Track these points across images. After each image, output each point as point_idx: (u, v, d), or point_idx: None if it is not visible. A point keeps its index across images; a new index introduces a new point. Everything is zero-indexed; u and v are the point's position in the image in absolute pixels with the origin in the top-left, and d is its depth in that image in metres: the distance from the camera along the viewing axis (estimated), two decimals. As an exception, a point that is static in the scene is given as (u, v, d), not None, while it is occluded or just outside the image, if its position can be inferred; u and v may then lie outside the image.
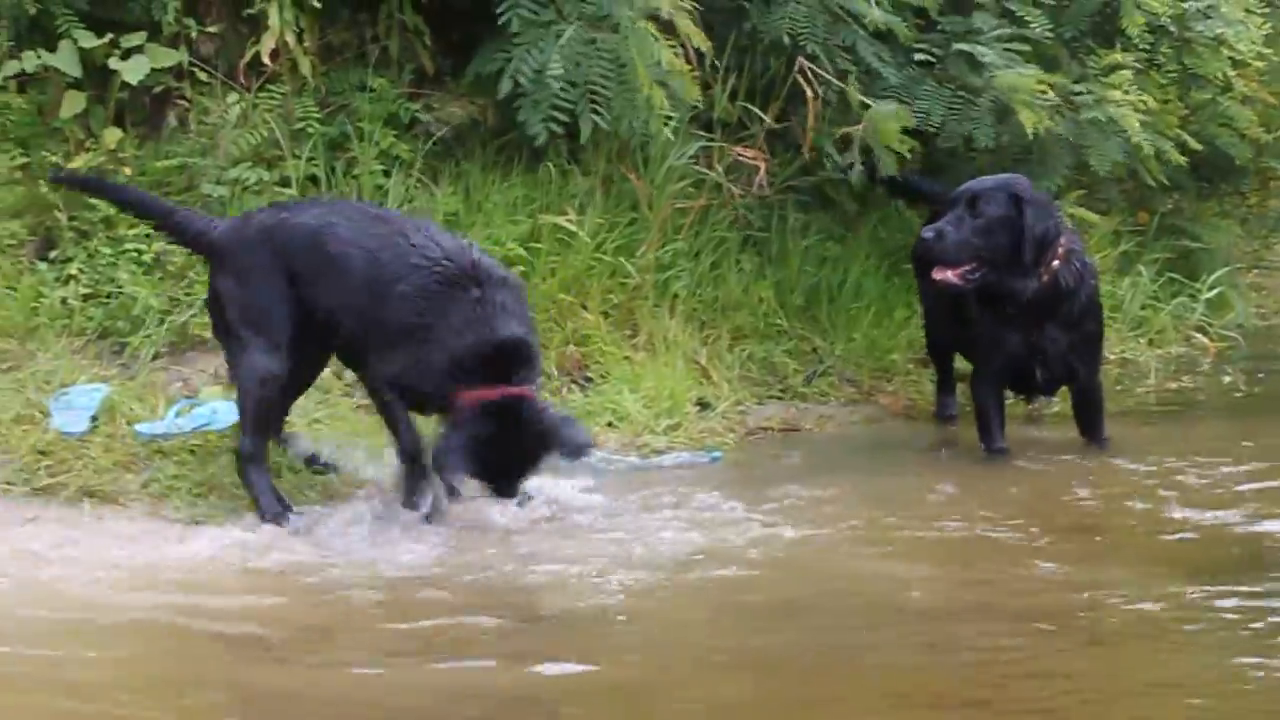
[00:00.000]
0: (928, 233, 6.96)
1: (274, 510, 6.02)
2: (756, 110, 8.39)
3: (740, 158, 8.28)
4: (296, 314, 6.08)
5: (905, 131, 8.18)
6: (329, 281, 6.05)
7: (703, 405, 7.59)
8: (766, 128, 8.35)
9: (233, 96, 7.67)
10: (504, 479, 5.97)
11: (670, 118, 7.76)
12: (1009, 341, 7.06)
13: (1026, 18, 8.80)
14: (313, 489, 6.37)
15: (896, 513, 6.27)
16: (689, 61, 7.93)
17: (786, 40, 8.22)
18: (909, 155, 8.27)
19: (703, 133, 8.27)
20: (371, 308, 5.98)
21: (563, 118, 7.71)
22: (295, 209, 6.29)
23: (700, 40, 7.84)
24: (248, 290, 6.10)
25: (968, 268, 6.91)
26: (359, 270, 6.00)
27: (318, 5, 7.64)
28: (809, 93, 8.17)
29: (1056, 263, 6.95)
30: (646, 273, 7.88)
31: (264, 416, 6.13)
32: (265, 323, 6.08)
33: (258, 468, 6.08)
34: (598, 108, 7.73)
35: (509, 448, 5.86)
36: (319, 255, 6.05)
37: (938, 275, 6.96)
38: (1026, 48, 8.71)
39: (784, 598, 5.32)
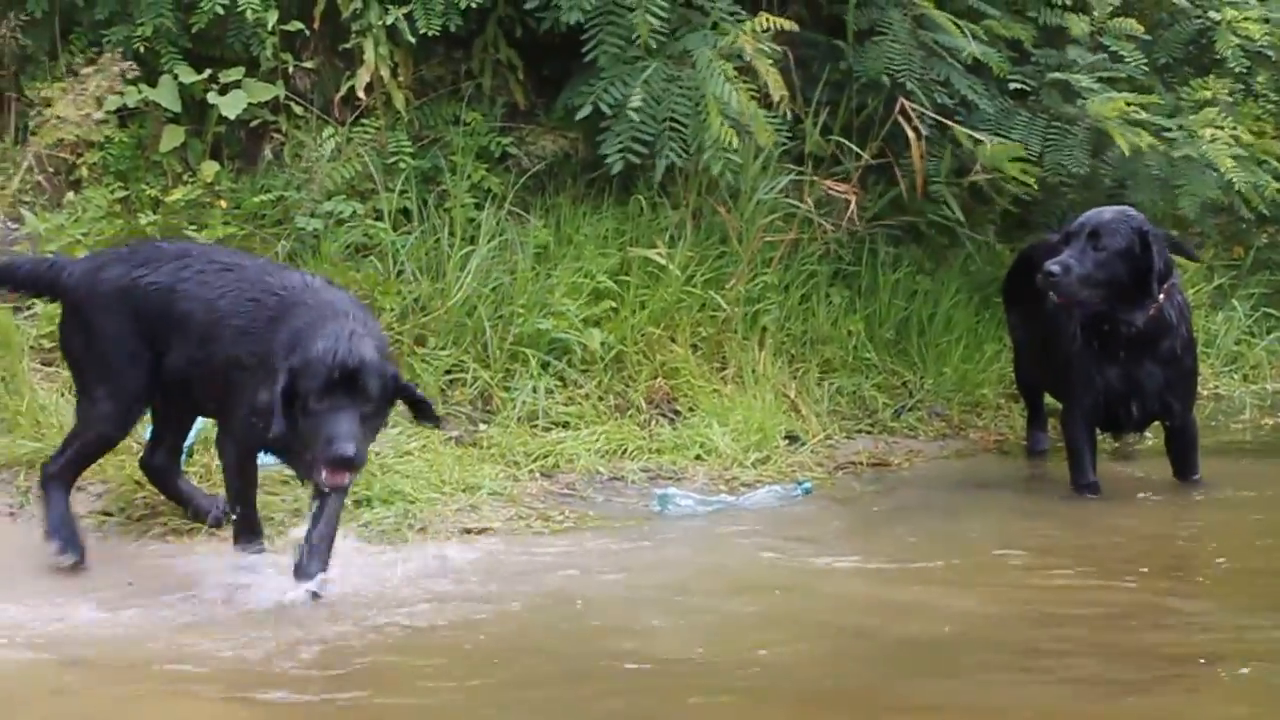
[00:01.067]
0: (1054, 267, 6.89)
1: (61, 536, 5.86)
2: (851, 144, 8.38)
3: (831, 191, 8.27)
4: (149, 376, 5.87)
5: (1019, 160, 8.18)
6: (178, 339, 5.80)
7: (791, 439, 7.58)
8: (862, 164, 8.33)
9: (328, 130, 7.76)
10: None
11: (737, 163, 7.77)
12: (1106, 376, 7.00)
13: (1120, 51, 8.74)
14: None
15: (984, 552, 6.24)
16: (779, 98, 7.93)
17: (885, 80, 8.21)
18: (1033, 187, 8.25)
19: (794, 166, 8.27)
20: (205, 355, 5.73)
21: (641, 149, 7.75)
22: (149, 266, 5.91)
23: (777, 85, 7.85)
24: (101, 348, 5.88)
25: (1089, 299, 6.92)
26: (199, 323, 5.75)
27: (412, 40, 7.72)
28: (911, 134, 8.15)
29: (1162, 297, 6.91)
30: (736, 306, 7.88)
31: (85, 460, 6.00)
32: (117, 382, 5.87)
33: (59, 488, 5.92)
34: (675, 144, 7.76)
35: None
36: (171, 318, 5.80)
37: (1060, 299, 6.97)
38: (1121, 75, 8.65)
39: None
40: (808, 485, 7.15)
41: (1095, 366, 7.05)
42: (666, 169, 7.82)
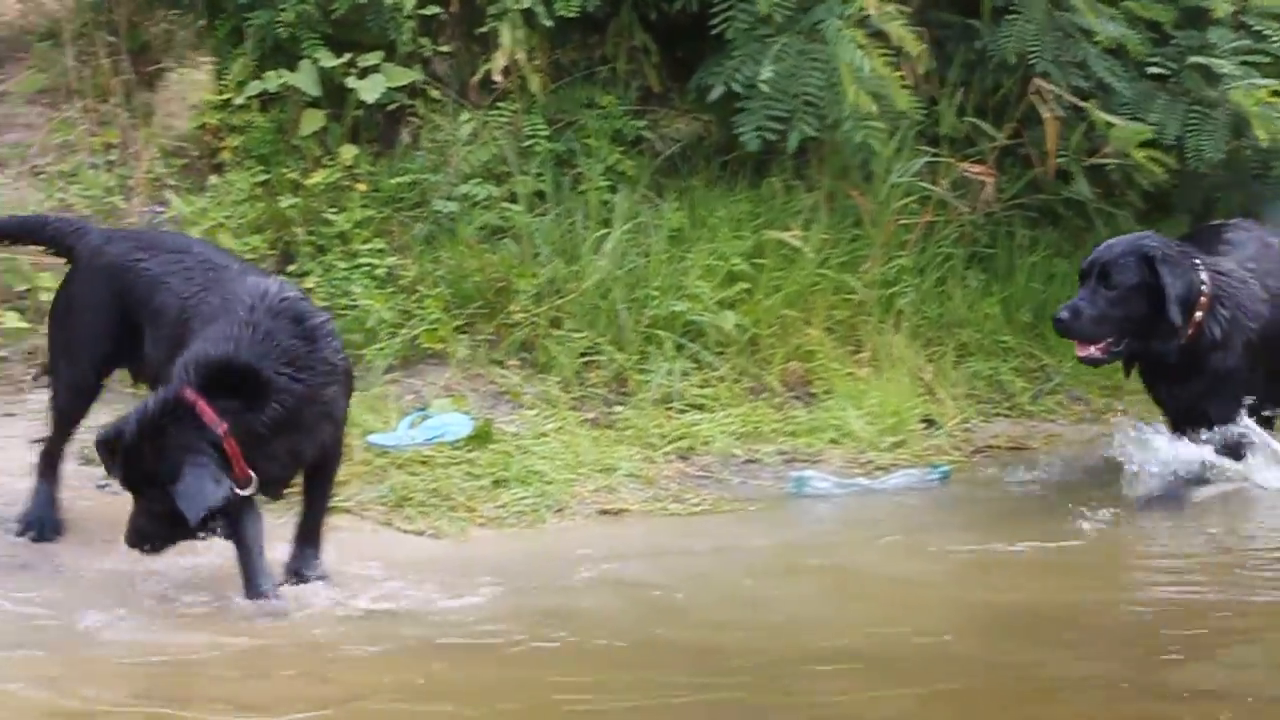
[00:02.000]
0: (1063, 313, 6.77)
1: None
2: (985, 126, 8.30)
3: (967, 173, 8.20)
4: (109, 357, 5.93)
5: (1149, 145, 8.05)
6: (151, 330, 5.78)
7: (928, 422, 7.53)
8: (997, 145, 8.25)
9: (464, 114, 7.82)
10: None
11: (879, 128, 7.72)
12: (1161, 394, 7.05)
13: (1266, 31, 8.56)
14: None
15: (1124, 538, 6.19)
16: (911, 77, 7.88)
17: (1014, 60, 8.12)
18: (1163, 174, 8.12)
19: (928, 148, 8.21)
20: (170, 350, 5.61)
21: (776, 126, 7.73)
22: (148, 251, 5.91)
23: (912, 45, 7.77)
24: (76, 317, 5.95)
25: (1110, 340, 6.75)
26: (170, 318, 5.72)
27: (549, 24, 7.75)
28: (1046, 113, 8.06)
29: (1200, 314, 6.73)
30: (871, 289, 7.84)
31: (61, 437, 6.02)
32: (77, 353, 5.93)
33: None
34: (808, 117, 7.73)
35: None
36: (149, 307, 5.80)
37: (1081, 354, 6.82)
38: (1266, 59, 8.48)
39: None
40: (945, 469, 7.11)
41: (1151, 390, 7.07)
42: (801, 149, 7.79)
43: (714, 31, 7.80)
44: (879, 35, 7.79)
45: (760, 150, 7.80)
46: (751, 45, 7.79)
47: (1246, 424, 6.77)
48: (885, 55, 7.74)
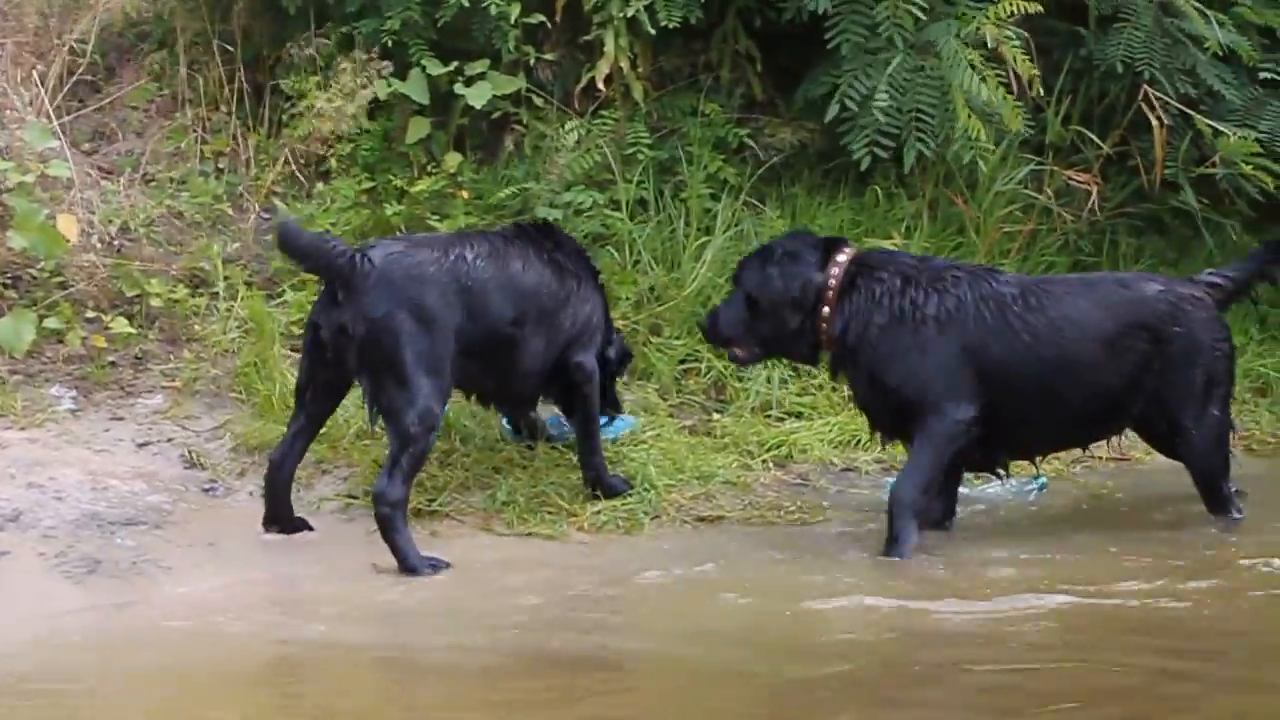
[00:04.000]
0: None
1: (418, 563, 5.99)
2: (1091, 134, 8.23)
3: (1072, 181, 8.14)
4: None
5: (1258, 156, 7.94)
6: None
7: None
8: (1102, 153, 8.18)
9: (568, 122, 7.87)
10: None
11: (988, 150, 7.69)
12: None
13: (1381, 36, 8.43)
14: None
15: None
16: (1019, 86, 7.84)
17: (1121, 67, 8.04)
18: (1271, 185, 8.00)
19: (1033, 156, 8.15)
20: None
21: (887, 143, 7.72)
22: (473, 255, 6.24)
23: (1026, 69, 7.74)
24: (430, 334, 6.07)
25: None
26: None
27: (653, 32, 7.79)
28: (1155, 121, 7.98)
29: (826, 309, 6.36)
30: (974, 297, 7.77)
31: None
32: (440, 369, 6.06)
33: (404, 516, 6.02)
34: (922, 135, 7.71)
35: None
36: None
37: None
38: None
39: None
40: (1043, 480, 7.05)
41: None
42: (904, 162, 7.78)
43: (828, 44, 7.79)
44: (993, 55, 7.76)
45: (869, 165, 7.79)
46: (862, 58, 7.77)
47: None
48: (998, 75, 7.70)
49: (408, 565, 5.89)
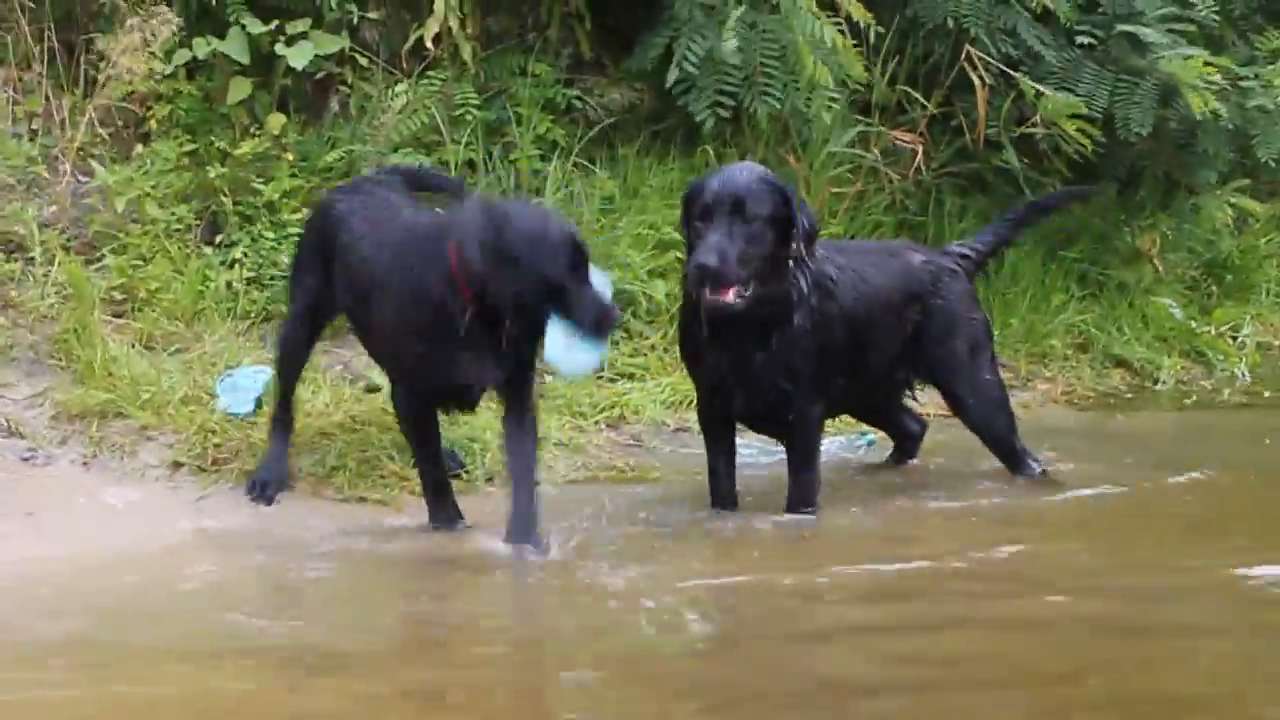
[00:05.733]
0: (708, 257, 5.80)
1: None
2: (917, 95, 8.32)
3: (898, 142, 8.23)
4: None
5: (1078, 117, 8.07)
6: None
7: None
8: (928, 113, 8.28)
9: (397, 84, 7.76)
10: None
11: (835, 99, 7.74)
12: None
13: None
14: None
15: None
16: (866, 26, 7.90)
17: (950, 24, 8.13)
18: (1089, 146, 8.14)
19: (861, 117, 8.23)
20: None
21: (729, 102, 7.73)
22: None
23: (861, 14, 7.78)
24: None
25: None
26: None
27: (483, -8, 7.72)
28: (977, 81, 8.08)
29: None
30: (802, 256, 7.83)
31: None
32: None
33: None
34: (768, 92, 7.72)
35: None
36: None
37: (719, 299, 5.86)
38: (1192, 28, 8.53)
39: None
40: (871, 437, 7.13)
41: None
42: (735, 116, 7.77)
43: (657, 3, 7.76)
44: (828, 5, 7.80)
45: (713, 126, 7.78)
46: (698, 17, 7.76)
47: None
48: (836, 24, 7.73)
49: None
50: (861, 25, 7.86)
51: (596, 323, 5.48)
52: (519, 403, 5.81)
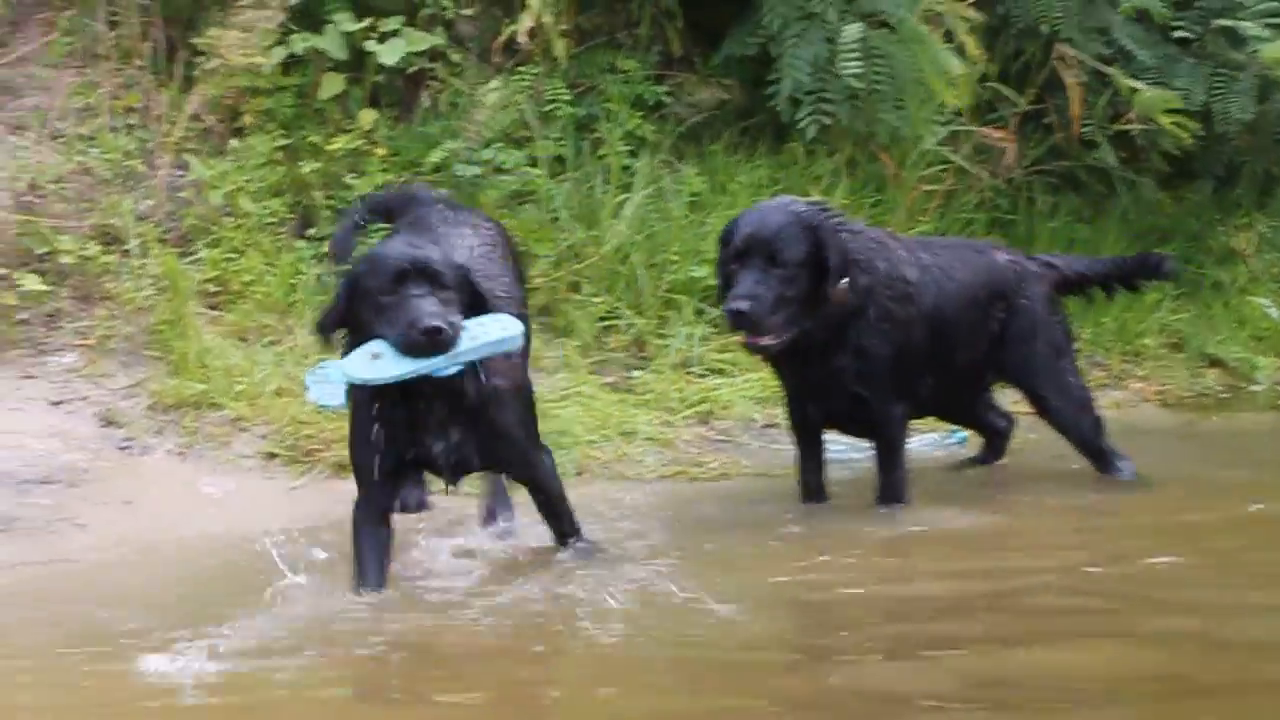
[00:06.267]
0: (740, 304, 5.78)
1: None
2: (1007, 92, 8.27)
3: (988, 140, 8.18)
4: None
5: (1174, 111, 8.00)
6: None
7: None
8: (1019, 111, 8.23)
9: (489, 79, 7.78)
10: None
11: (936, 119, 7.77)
12: None
13: (1293, -8, 8.52)
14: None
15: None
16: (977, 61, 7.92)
17: (1045, 29, 8.09)
18: (1189, 139, 8.05)
19: (953, 115, 8.18)
20: None
21: (831, 110, 7.74)
22: None
23: (976, 52, 7.79)
24: None
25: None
26: None
27: (577, -12, 7.74)
28: (1070, 79, 8.02)
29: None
30: (893, 254, 7.80)
31: None
32: None
33: None
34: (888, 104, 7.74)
35: None
36: None
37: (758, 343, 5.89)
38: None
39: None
40: (963, 434, 7.08)
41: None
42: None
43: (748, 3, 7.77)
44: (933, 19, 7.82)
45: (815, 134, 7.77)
46: (794, 25, 7.75)
47: None
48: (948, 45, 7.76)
49: None
50: (958, 41, 7.83)
51: (405, 339, 4.86)
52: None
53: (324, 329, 5.10)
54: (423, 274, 4.90)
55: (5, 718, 4.26)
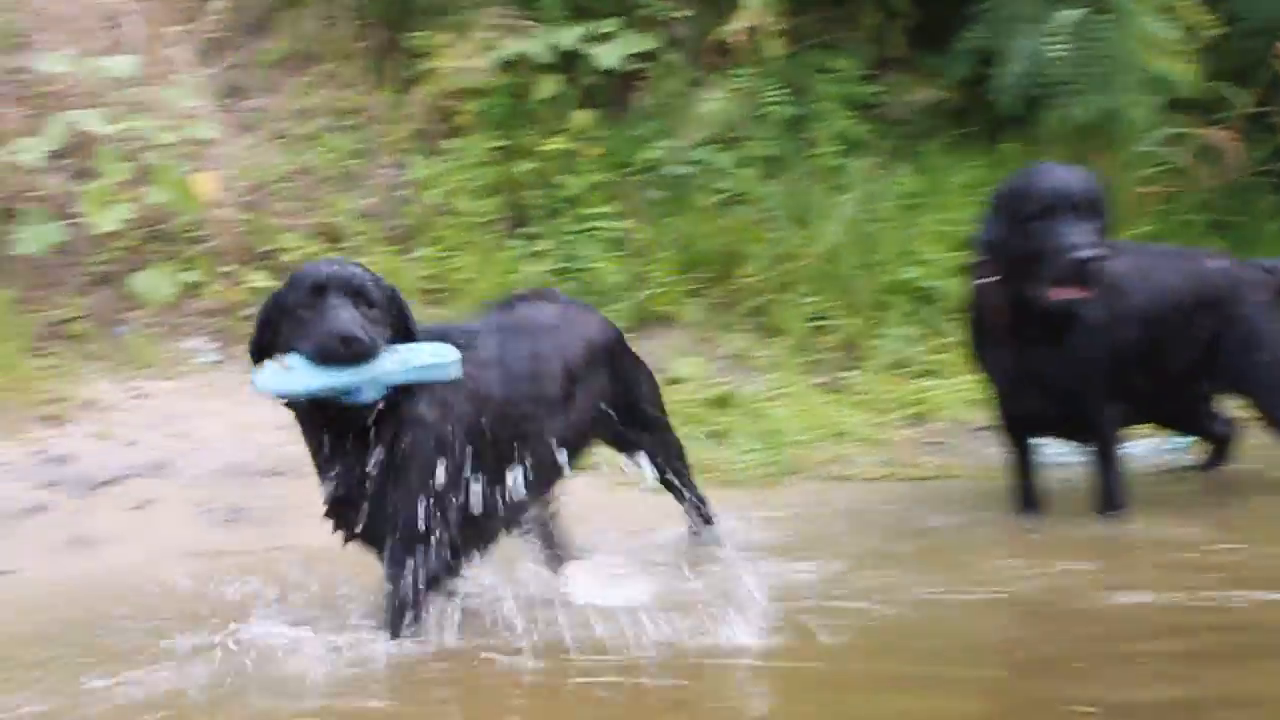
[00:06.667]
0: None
1: None
2: (1229, 93, 8.08)
3: (1212, 141, 7.99)
4: None
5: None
6: None
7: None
8: (1243, 111, 8.03)
9: (703, 79, 7.80)
10: None
11: (1145, 100, 7.60)
12: None
13: None
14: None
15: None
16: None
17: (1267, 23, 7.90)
18: None
19: (1173, 114, 8.01)
20: None
21: (1057, 101, 7.65)
22: None
23: (1206, 24, 7.61)
24: None
25: None
26: None
27: (794, -10, 7.72)
28: (1292, 78, 7.84)
29: None
30: (1111, 255, 7.67)
31: None
32: None
33: None
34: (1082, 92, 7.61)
35: None
36: None
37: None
38: None
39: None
40: (1185, 441, 6.92)
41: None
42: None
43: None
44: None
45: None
46: (1018, 20, 7.68)
47: None
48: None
49: None
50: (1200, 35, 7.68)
51: (318, 347, 4.43)
52: None
53: (252, 354, 4.66)
54: (344, 288, 4.46)
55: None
